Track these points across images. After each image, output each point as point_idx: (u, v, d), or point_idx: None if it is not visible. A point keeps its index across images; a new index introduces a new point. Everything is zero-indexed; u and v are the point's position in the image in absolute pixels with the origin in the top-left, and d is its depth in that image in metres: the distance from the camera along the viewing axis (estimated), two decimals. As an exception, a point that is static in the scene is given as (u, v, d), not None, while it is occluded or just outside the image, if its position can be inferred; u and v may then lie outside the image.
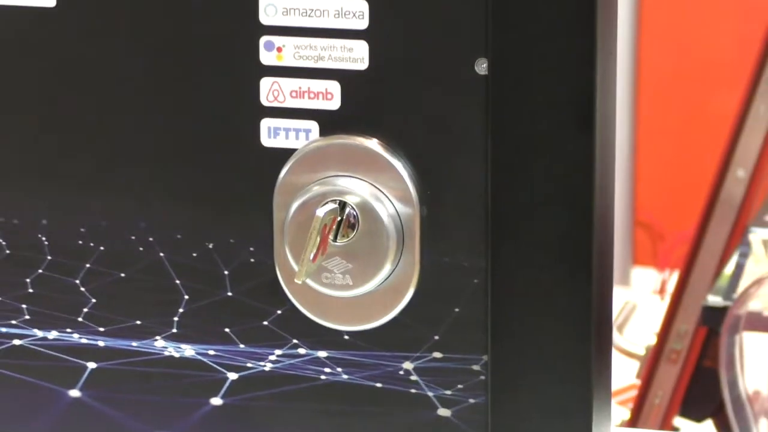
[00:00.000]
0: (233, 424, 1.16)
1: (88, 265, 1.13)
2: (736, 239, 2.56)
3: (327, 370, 1.11)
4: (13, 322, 1.15)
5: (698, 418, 2.54)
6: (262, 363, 1.13)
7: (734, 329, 2.39)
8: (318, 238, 1.06)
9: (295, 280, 1.07)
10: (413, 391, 1.10)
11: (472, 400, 1.09)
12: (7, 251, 1.17)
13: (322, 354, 1.11)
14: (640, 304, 3.02)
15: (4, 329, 1.17)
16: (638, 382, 2.82)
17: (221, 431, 1.17)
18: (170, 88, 1.16)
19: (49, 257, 1.15)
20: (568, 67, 1.08)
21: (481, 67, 1.05)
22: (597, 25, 1.07)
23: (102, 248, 1.13)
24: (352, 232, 1.07)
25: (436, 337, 1.09)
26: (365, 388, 1.12)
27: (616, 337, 3.11)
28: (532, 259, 1.09)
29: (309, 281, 1.07)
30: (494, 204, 1.09)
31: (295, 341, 1.12)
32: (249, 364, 1.13)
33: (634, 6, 3.63)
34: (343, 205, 1.07)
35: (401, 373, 1.10)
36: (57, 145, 1.18)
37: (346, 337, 1.11)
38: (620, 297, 3.40)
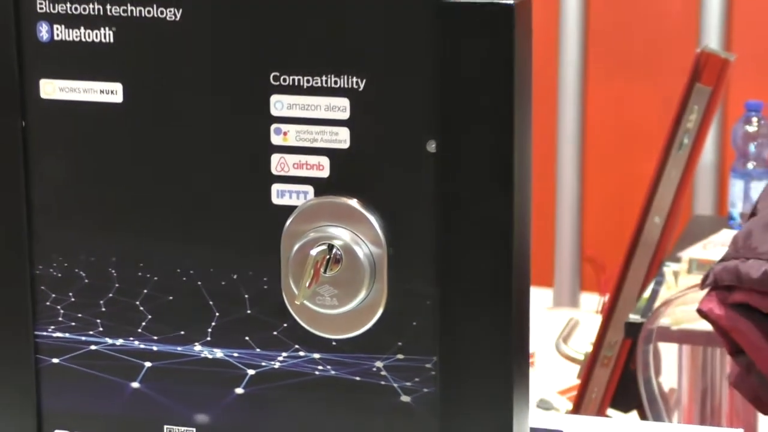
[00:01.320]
0: (252, 408, 1.18)
1: (145, 291, 1.17)
2: (654, 271, 2.58)
3: (320, 367, 1.15)
4: (91, 332, 1.18)
5: (625, 409, 2.55)
6: (272, 362, 1.16)
7: (648, 340, 2.40)
8: (312, 271, 1.10)
9: (296, 302, 1.11)
10: (383, 383, 1.13)
11: (425, 390, 1.12)
12: (86, 280, 1.18)
13: (316, 356, 1.14)
14: (583, 321, 3.03)
15: (84, 338, 1.19)
16: (579, 381, 2.81)
17: (243, 413, 1.19)
18: (208, 164, 1.18)
19: (117, 285, 1.18)
20: (493, 148, 1.10)
21: (431, 146, 1.09)
22: (515, 122, 1.10)
23: (156, 278, 1.17)
24: (337, 267, 1.10)
25: (400, 344, 1.12)
26: (347, 380, 1.15)
27: (563, 347, 3.08)
28: (468, 287, 1.12)
29: (306, 302, 1.11)
30: (440, 247, 1.12)
31: (296, 346, 1.14)
32: (263, 363, 1.16)
33: (581, 80, 3.60)
34: (331, 247, 1.10)
35: (374, 369, 1.13)
36: (123, 205, 1.20)
37: (334, 343, 1.13)
38: (568, 315, 3.40)
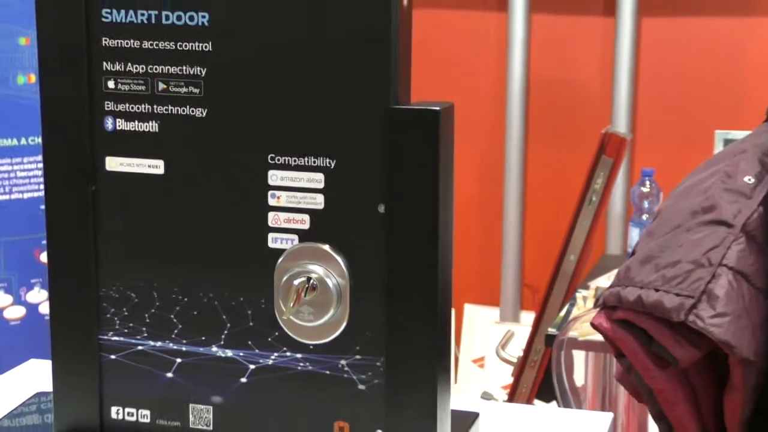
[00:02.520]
0: (253, 392, 1.22)
1: (177, 308, 1.22)
2: (569, 296, 2.57)
3: (301, 364, 1.20)
4: (138, 337, 1.24)
5: (547, 400, 2.56)
6: (267, 360, 1.21)
7: (560, 348, 2.41)
8: (295, 296, 1.15)
9: (284, 317, 1.17)
10: (345, 376, 1.18)
11: (376, 381, 1.17)
12: (136, 300, 1.24)
13: (299, 355, 1.19)
14: (521, 333, 3.03)
15: (133, 341, 1.25)
16: (512, 378, 2.81)
17: (246, 396, 1.23)
18: (224, 218, 1.22)
19: (157, 303, 1.22)
20: (424, 210, 1.13)
21: (381, 208, 1.15)
22: (440, 193, 1.15)
23: (185, 300, 1.22)
24: (314, 293, 1.15)
25: (357, 348, 1.17)
26: (320, 374, 1.20)
27: (501, 352, 3.08)
28: (406, 308, 1.16)
29: (291, 318, 1.17)
30: (387, 280, 1.16)
31: (284, 349, 1.20)
32: (260, 360, 1.21)
33: (524, 145, 3.56)
34: (309, 278, 1.15)
35: (339, 366, 1.19)
36: (162, 247, 1.25)
37: (311, 347, 1.19)
38: (512, 329, 3.35)
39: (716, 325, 1.46)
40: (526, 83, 3.57)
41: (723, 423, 1.58)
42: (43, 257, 2.89)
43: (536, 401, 2.62)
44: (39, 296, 3.07)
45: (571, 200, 2.93)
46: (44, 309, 3.09)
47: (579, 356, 2.52)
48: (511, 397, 2.70)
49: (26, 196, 3.07)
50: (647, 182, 2.75)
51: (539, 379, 2.64)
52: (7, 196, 2.99)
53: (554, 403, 2.49)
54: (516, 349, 2.87)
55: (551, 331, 2.46)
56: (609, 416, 1.53)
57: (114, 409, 1.25)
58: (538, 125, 3.62)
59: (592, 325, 1.74)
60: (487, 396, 3.23)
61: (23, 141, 3.03)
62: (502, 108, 3.61)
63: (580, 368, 2.56)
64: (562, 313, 2.42)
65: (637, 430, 2.44)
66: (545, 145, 3.62)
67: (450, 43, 3.75)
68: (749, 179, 1.61)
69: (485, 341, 3.55)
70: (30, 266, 3.08)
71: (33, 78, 3.13)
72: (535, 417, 1.54)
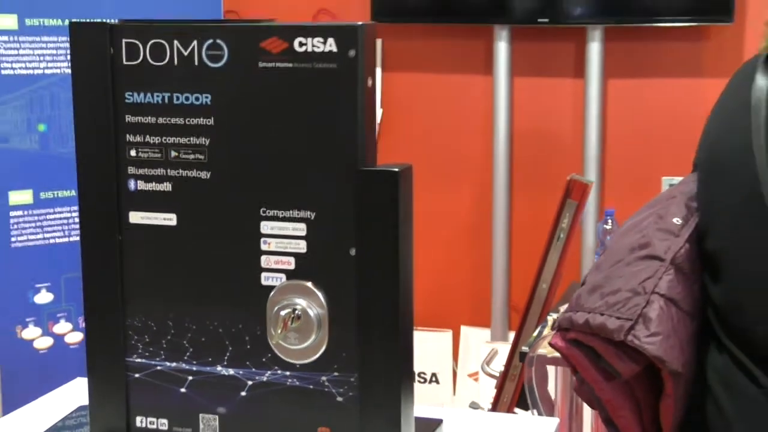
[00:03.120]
0: (250, 403, 1.24)
1: (189, 335, 1.25)
2: (542, 318, 2.56)
3: (289, 380, 1.22)
4: (157, 359, 1.26)
5: (526, 408, 2.49)
6: (262, 377, 1.24)
7: (531, 364, 2.38)
8: (282, 324, 1.19)
9: (274, 342, 1.21)
10: (326, 389, 1.20)
11: (351, 394, 1.20)
12: (155, 329, 1.26)
13: (288, 373, 1.22)
14: (504, 350, 3.02)
15: (153, 362, 1.27)
16: (495, 390, 2.75)
17: (246, 407, 1.24)
18: (225, 261, 1.24)
19: (172, 331, 1.26)
20: (386, 253, 1.16)
21: (353, 251, 1.18)
22: (399, 239, 1.17)
23: (194, 327, 1.24)
24: (298, 321, 1.19)
25: (335, 366, 1.20)
26: (305, 388, 1.22)
27: (485, 367, 3.03)
28: (374, 334, 1.19)
29: (280, 342, 1.20)
30: (358, 311, 1.20)
31: (276, 368, 1.22)
32: (256, 378, 1.23)
33: (509, 190, 3.53)
34: (294, 309, 1.19)
35: (321, 381, 1.21)
36: (175, 285, 1.26)
37: (297, 366, 1.21)
38: (501, 348, 3.25)
39: (650, 343, 1.54)
40: (509, 134, 3.55)
41: (660, 427, 1.66)
42: None
43: (517, 409, 2.58)
44: None
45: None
46: None
47: (552, 370, 2.48)
48: (495, 407, 2.68)
49: None
50: (609, 220, 2.75)
51: (518, 390, 2.60)
52: (66, 239, 3.02)
53: (532, 411, 2.49)
54: (499, 365, 2.82)
55: (524, 349, 2.43)
56: (555, 421, 1.53)
57: (138, 419, 1.27)
58: (520, 170, 3.60)
59: (550, 344, 1.77)
60: (474, 406, 3.20)
61: (80, 192, 3.08)
62: (490, 155, 3.59)
63: (551, 381, 2.53)
64: (536, 333, 2.39)
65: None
66: (527, 188, 3.61)
67: (447, 101, 3.70)
68: (677, 220, 1.66)
69: (478, 358, 3.46)
70: None
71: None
72: (492, 423, 1.53)
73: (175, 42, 1.19)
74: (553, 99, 3.59)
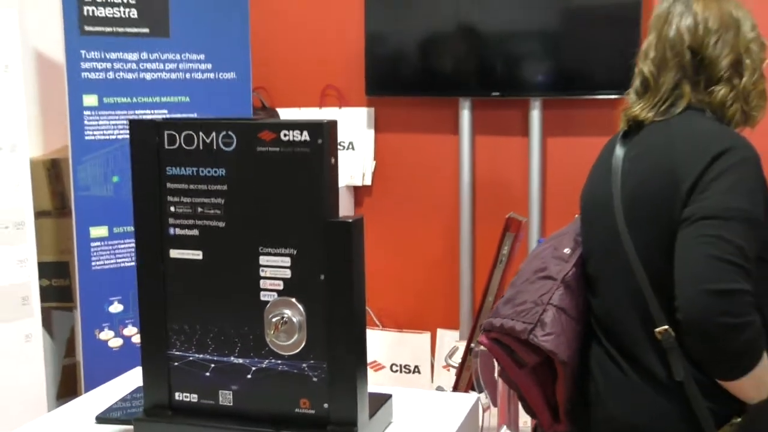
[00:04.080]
0: (254, 383, 1.29)
1: (210, 335, 1.30)
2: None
3: (280, 366, 1.28)
4: (190, 351, 1.30)
5: (479, 391, 2.44)
6: (261, 364, 1.29)
7: (476, 356, 2.39)
8: (274, 327, 1.26)
9: (269, 340, 1.27)
10: (305, 373, 1.26)
11: (323, 376, 1.25)
12: (187, 330, 1.31)
13: (279, 362, 1.27)
14: (462, 347, 2.94)
15: (186, 354, 1.31)
16: (455, 376, 2.74)
17: (251, 385, 1.29)
18: (235, 284, 1.28)
19: (199, 332, 1.30)
20: (345, 278, 1.21)
21: (322, 276, 1.25)
22: (353, 273, 1.23)
23: (216, 329, 1.30)
24: (285, 325, 1.26)
25: (311, 356, 1.25)
26: (291, 372, 1.27)
27: (448, 360, 3.03)
28: (338, 333, 1.25)
29: (273, 339, 1.26)
30: (327, 318, 1.25)
31: (271, 358, 1.28)
32: (258, 365, 1.29)
33: (473, 218, 3.49)
34: (282, 317, 1.25)
35: (302, 367, 1.26)
36: (201, 298, 1.30)
37: (286, 356, 1.27)
38: (463, 344, 3.09)
39: (546, 341, 1.67)
40: (472, 180, 3.55)
41: (557, 400, 1.75)
42: None
43: (471, 392, 2.49)
44: None
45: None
46: None
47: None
48: (455, 390, 2.65)
49: None
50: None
51: (471, 377, 2.58)
52: (133, 263, 2.91)
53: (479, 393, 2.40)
54: (458, 358, 2.80)
55: (473, 345, 2.47)
56: (474, 396, 1.55)
57: (177, 394, 1.33)
58: (480, 208, 3.58)
59: (478, 341, 1.87)
60: (439, 389, 3.14)
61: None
62: (458, 196, 3.57)
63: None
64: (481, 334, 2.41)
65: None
66: (486, 222, 3.55)
67: (425, 154, 3.64)
68: (567, 250, 1.76)
69: (445, 355, 3.42)
70: None
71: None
72: (427, 398, 1.54)
73: (200, 133, 1.26)
74: (504, 153, 3.56)
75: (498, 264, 2.64)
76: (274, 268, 1.27)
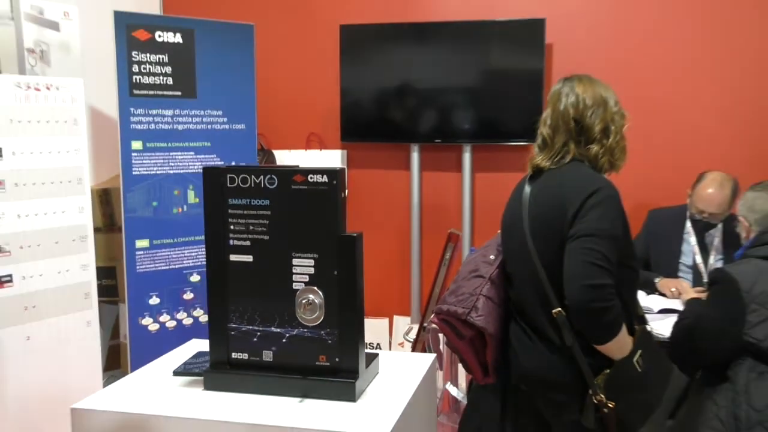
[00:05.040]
0: (288, 345, 1.33)
1: (258, 312, 1.34)
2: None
3: (306, 333, 1.33)
4: (242, 324, 1.35)
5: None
6: (293, 332, 1.34)
7: (428, 332, 2.39)
8: (303, 307, 1.32)
9: (299, 315, 1.33)
10: (323, 337, 1.32)
11: (335, 339, 1.32)
12: (241, 309, 1.34)
13: (305, 330, 1.33)
14: (415, 328, 2.73)
15: (241, 326, 1.35)
16: (411, 348, 2.69)
17: (286, 346, 1.34)
18: (278, 281, 1.28)
19: (250, 310, 1.34)
20: (351, 274, 1.26)
21: (335, 272, 1.31)
22: (356, 266, 1.27)
23: (261, 309, 1.34)
24: (310, 306, 1.32)
25: (328, 327, 1.31)
26: (314, 336, 1.33)
27: (405, 337, 2.97)
28: (346, 311, 1.30)
29: (302, 315, 1.32)
30: (339, 300, 1.30)
31: (300, 328, 1.33)
32: (291, 332, 1.34)
33: (420, 240, 3.51)
34: (308, 299, 1.32)
35: (321, 333, 1.33)
36: (251, 291, 1.32)
37: (310, 326, 1.32)
38: (412, 326, 3.08)
39: (478, 320, 1.75)
40: (420, 204, 3.58)
41: (487, 362, 1.81)
42: (186, 296, 3.02)
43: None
44: (182, 315, 3.05)
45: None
46: (186, 322, 3.04)
47: (441, 336, 2.44)
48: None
49: (199, 271, 3.07)
50: (473, 253, 2.65)
51: (424, 347, 2.58)
52: (167, 267, 2.98)
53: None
54: (412, 335, 2.79)
55: (425, 325, 2.49)
56: (432, 356, 1.58)
57: (233, 354, 1.38)
58: (426, 225, 3.59)
59: (431, 321, 1.89)
60: None
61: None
62: (409, 215, 3.59)
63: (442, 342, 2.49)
64: (431, 317, 2.27)
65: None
66: (430, 235, 3.58)
67: (385, 185, 3.64)
68: (492, 257, 1.84)
69: (403, 334, 3.41)
70: (183, 300, 3.06)
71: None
72: (398, 358, 1.57)
73: (252, 176, 1.33)
74: (444, 184, 3.58)
75: (442, 266, 2.66)
76: (302, 267, 1.32)
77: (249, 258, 1.35)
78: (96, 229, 2.83)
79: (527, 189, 1.78)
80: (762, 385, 1.76)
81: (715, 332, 1.81)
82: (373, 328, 3.62)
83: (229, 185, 1.35)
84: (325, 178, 1.29)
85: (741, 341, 1.77)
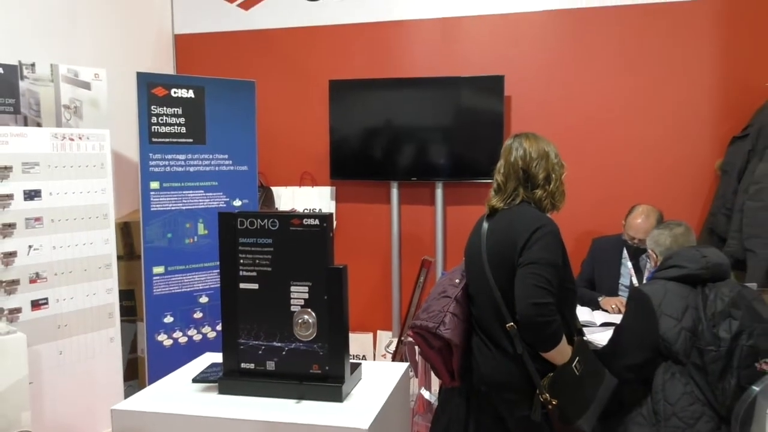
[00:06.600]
0: (287, 357, 1.39)
1: (263, 330, 1.40)
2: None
3: (301, 347, 1.40)
4: (249, 339, 1.40)
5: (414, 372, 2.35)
6: (291, 346, 1.40)
7: (405, 346, 2.41)
8: (299, 325, 1.37)
9: (295, 332, 1.39)
10: (316, 350, 1.38)
11: (326, 351, 1.37)
12: (249, 327, 1.37)
13: (301, 344, 1.40)
14: (395, 341, 2.76)
15: (248, 341, 1.41)
16: (391, 359, 2.80)
17: (285, 357, 1.39)
18: (279, 304, 1.33)
19: (256, 328, 1.37)
20: (338, 299, 1.31)
21: (325, 297, 1.36)
22: (342, 292, 1.33)
23: (265, 327, 1.39)
24: (305, 324, 1.38)
25: (320, 341, 1.37)
26: (308, 349, 1.39)
27: (386, 349, 3.16)
28: (334, 329, 1.35)
29: (298, 332, 1.39)
30: (329, 320, 1.35)
31: (297, 342, 1.40)
32: (289, 346, 1.40)
33: (400, 265, 3.51)
34: (303, 319, 1.38)
35: (314, 347, 1.39)
36: (255, 312, 1.35)
37: (304, 341, 1.38)
38: (393, 339, 3.24)
39: (446, 333, 1.85)
40: (399, 234, 3.59)
41: (453, 369, 1.90)
42: (196, 315, 3.08)
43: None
44: (193, 332, 3.08)
45: (431, 283, 2.93)
46: (196, 338, 3.06)
47: (417, 348, 2.32)
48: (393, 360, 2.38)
49: (207, 294, 3.09)
50: (444, 275, 2.52)
51: (402, 358, 2.65)
52: (180, 290, 3.02)
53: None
54: (392, 347, 2.89)
55: (403, 338, 2.55)
56: (405, 365, 1.63)
57: (242, 364, 1.45)
58: (405, 251, 3.59)
59: (407, 334, 1.98)
60: None
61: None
62: (390, 243, 3.58)
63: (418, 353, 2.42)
64: (408, 330, 2.21)
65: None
66: (408, 261, 3.59)
67: (368, 217, 3.62)
68: (457, 280, 1.94)
69: (384, 346, 3.51)
70: (193, 319, 3.08)
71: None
72: (378, 367, 1.61)
73: (258, 219, 1.42)
74: (420, 217, 3.59)
75: (417, 288, 2.76)
76: (299, 293, 1.41)
77: (255, 286, 1.44)
78: (118, 257, 2.86)
79: (485, 225, 1.90)
80: (674, 383, 1.87)
81: (635, 338, 1.94)
82: (360, 342, 3.64)
83: (239, 227, 1.44)
84: (317, 222, 1.39)
85: (656, 344, 1.88)
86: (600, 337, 2.32)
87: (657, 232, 2.19)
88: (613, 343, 1.98)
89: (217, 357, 1.63)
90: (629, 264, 2.82)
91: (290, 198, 3.65)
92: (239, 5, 3.71)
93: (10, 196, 2.34)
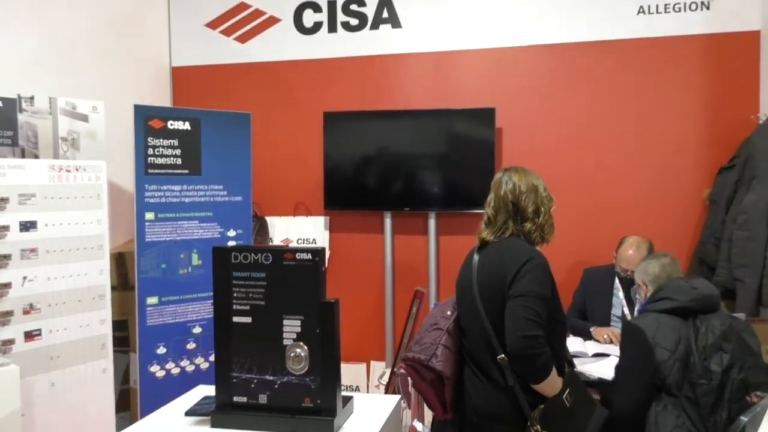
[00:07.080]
0: (279, 390, 1.38)
1: (256, 364, 1.38)
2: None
3: (294, 380, 1.38)
4: (242, 373, 1.38)
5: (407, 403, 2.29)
6: (283, 379, 1.39)
7: (398, 377, 2.26)
8: (291, 359, 1.36)
9: (288, 366, 1.37)
10: (308, 383, 1.37)
11: (318, 385, 1.36)
12: (242, 361, 1.36)
13: (293, 377, 1.38)
14: (388, 372, 2.75)
15: (241, 375, 1.40)
16: (384, 390, 2.81)
17: (278, 391, 1.37)
18: (272, 337, 1.32)
19: (249, 362, 1.37)
20: (330, 333, 1.30)
21: (317, 330, 1.34)
22: (334, 326, 1.33)
23: (258, 361, 1.38)
24: (297, 358, 1.37)
25: (312, 374, 1.36)
26: (301, 383, 1.38)
27: (379, 380, 3.18)
28: (326, 362, 1.34)
29: (291, 365, 1.37)
30: (321, 353, 1.33)
31: (289, 375, 1.38)
32: (282, 380, 1.39)
33: (393, 289, 3.54)
34: (296, 353, 1.36)
35: (306, 380, 1.37)
36: (249, 341, 1.34)
37: (297, 374, 1.37)
38: (387, 370, 3.28)
39: (438, 365, 1.86)
40: (393, 263, 3.61)
41: (446, 401, 1.90)
42: (189, 346, 3.09)
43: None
44: (186, 363, 3.07)
45: (424, 313, 2.93)
46: (188, 369, 3.06)
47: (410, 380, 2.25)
48: (386, 392, 2.43)
49: (200, 324, 3.07)
50: (437, 306, 2.53)
51: (395, 389, 2.43)
52: (174, 321, 3.01)
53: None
54: (385, 379, 2.86)
55: (396, 370, 2.50)
56: (397, 397, 1.59)
57: (235, 397, 1.43)
58: (398, 281, 3.61)
59: (400, 366, 1.96)
60: None
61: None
62: (383, 272, 3.60)
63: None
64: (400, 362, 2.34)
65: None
66: (401, 291, 3.60)
67: (362, 247, 3.65)
68: (449, 313, 1.95)
69: (377, 378, 3.51)
70: (186, 350, 3.09)
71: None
72: (369, 400, 1.59)
73: (252, 254, 1.40)
74: (413, 247, 3.61)
75: (409, 319, 2.75)
76: (291, 326, 1.40)
77: (248, 319, 1.42)
78: (112, 288, 2.86)
79: (476, 258, 1.92)
80: (666, 415, 1.89)
81: (631, 373, 1.97)
82: (353, 372, 3.63)
83: (233, 261, 1.43)
84: (309, 256, 1.38)
85: (653, 377, 1.90)
86: (592, 368, 2.33)
87: (645, 263, 2.22)
88: (616, 382, 2.00)
89: (210, 390, 1.61)
90: (621, 294, 2.84)
91: (284, 228, 3.66)
92: (236, 38, 3.77)
93: (6, 228, 2.36)
